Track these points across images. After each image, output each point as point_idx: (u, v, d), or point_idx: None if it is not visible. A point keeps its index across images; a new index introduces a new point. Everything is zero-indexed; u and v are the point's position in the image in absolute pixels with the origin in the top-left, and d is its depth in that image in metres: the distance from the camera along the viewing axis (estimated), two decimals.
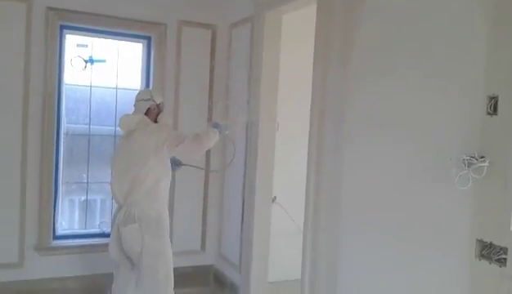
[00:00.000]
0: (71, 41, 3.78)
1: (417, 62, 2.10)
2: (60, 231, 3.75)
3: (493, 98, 1.71)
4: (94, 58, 3.83)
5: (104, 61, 3.88)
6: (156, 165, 2.88)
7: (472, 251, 1.76)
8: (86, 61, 3.80)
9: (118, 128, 3.15)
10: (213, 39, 4.07)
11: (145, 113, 2.98)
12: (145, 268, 2.83)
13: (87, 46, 3.86)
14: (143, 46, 3.99)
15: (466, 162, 1.74)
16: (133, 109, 3.05)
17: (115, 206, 3.05)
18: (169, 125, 3.11)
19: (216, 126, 3.09)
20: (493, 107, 1.71)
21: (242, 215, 3.68)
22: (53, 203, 3.65)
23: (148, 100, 2.99)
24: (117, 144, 3.08)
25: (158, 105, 3.02)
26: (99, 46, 3.91)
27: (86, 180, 3.92)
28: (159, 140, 2.83)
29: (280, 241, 3.92)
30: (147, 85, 3.94)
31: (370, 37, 2.41)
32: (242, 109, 3.51)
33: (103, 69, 3.91)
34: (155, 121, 3.02)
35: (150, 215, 2.87)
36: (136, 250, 2.84)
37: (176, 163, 3.17)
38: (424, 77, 2.06)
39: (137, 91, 3.25)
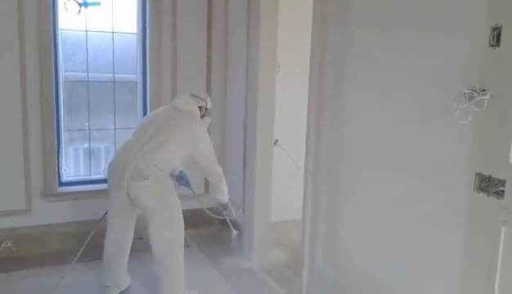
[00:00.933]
0: None
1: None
2: (65, 178, 3.80)
3: (496, 29, 1.66)
4: (88, 1, 3.72)
5: (98, 4, 3.77)
6: (182, 155, 2.98)
7: (471, 185, 1.78)
8: (80, 5, 3.69)
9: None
10: None
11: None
12: (160, 220, 2.85)
13: None
14: None
15: (467, 95, 1.72)
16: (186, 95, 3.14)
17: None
18: (207, 129, 3.22)
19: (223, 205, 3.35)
20: (496, 38, 1.66)
21: (244, 158, 3.70)
22: (56, 151, 3.67)
23: (203, 100, 3.16)
24: (157, 111, 3.17)
25: (206, 109, 3.18)
26: None
27: (88, 128, 3.93)
28: (200, 150, 3.00)
29: (283, 182, 3.98)
30: (143, 28, 3.86)
31: None
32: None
33: (98, 13, 3.80)
34: None
35: (160, 173, 2.84)
36: (148, 204, 2.83)
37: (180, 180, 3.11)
38: (424, 11, 2.00)
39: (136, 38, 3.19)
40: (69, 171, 3.87)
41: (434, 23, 1.96)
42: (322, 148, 2.79)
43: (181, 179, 3.03)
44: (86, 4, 3.70)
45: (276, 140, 3.96)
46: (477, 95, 1.70)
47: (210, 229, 4.13)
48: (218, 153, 4.10)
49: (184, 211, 3.15)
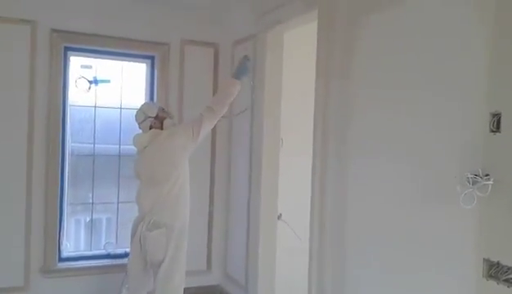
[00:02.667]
0: (75, 62, 3.81)
1: (419, 78, 2.09)
2: (65, 253, 3.74)
3: (496, 115, 1.69)
4: (98, 78, 3.85)
5: (108, 82, 3.90)
6: (182, 169, 2.97)
7: (479, 271, 1.73)
8: (90, 82, 3.82)
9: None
10: (216, 57, 4.10)
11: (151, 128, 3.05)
12: (163, 273, 2.89)
13: (91, 67, 3.88)
14: (147, 66, 4.01)
15: (471, 180, 1.72)
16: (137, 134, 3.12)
17: (134, 217, 3.08)
18: (176, 124, 3.18)
19: (238, 72, 3.11)
20: (496, 124, 1.69)
21: (247, 233, 3.65)
22: (58, 225, 3.64)
23: (144, 120, 3.05)
24: (136, 158, 3.15)
25: (156, 117, 3.06)
26: (103, 66, 3.93)
27: (91, 201, 3.92)
28: (183, 135, 2.94)
29: (287, 259, 3.88)
30: None
31: (371, 52, 2.40)
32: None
33: (107, 90, 3.93)
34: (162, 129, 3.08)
35: (175, 224, 2.92)
36: (159, 257, 2.88)
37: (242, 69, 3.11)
38: (426, 94, 2.04)
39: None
40: (69, 246, 3.81)
41: (437, 107, 1.99)
42: (327, 224, 2.75)
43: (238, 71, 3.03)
44: (96, 82, 3.84)
45: (280, 215, 3.91)
46: (480, 179, 1.70)
47: None
48: (222, 228, 4.07)
49: (186, 289, 3.07)
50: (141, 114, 3.08)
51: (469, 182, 1.72)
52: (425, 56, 2.04)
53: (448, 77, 1.93)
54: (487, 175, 1.69)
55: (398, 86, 2.21)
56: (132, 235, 3.02)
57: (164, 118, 3.08)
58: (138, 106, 3.92)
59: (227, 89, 3.09)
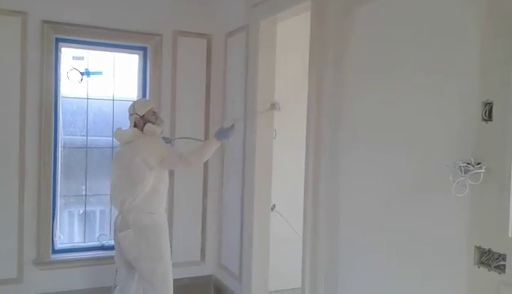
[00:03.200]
0: (67, 53, 3.78)
1: (411, 67, 2.10)
2: (59, 245, 3.73)
3: (488, 104, 1.70)
4: (90, 70, 3.83)
5: (100, 73, 3.88)
6: (151, 175, 2.94)
7: (471, 259, 1.75)
8: (82, 74, 3.79)
9: (115, 140, 3.23)
10: (209, 48, 4.08)
11: (135, 126, 3.05)
12: (143, 271, 2.94)
13: (83, 58, 3.85)
14: (139, 57, 3.99)
15: (462, 168, 1.73)
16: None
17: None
18: (156, 133, 3.08)
19: (221, 133, 3.10)
20: (488, 113, 1.70)
21: (241, 224, 3.66)
22: (52, 217, 3.63)
23: (132, 114, 3.07)
24: (115, 153, 3.18)
25: (142, 117, 3.04)
26: (95, 58, 3.91)
27: (84, 193, 3.91)
28: (150, 160, 2.91)
29: (280, 249, 3.90)
30: (144, 95, 3.94)
31: (365, 42, 2.41)
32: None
33: (99, 81, 3.90)
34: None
35: (146, 222, 2.93)
36: (132, 255, 2.92)
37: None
38: (418, 83, 2.06)
39: None
40: (62, 238, 3.80)
41: (429, 96, 2.00)
42: (320, 214, 2.76)
43: (222, 133, 3.06)
44: (88, 73, 3.81)
45: (274, 205, 3.93)
46: (472, 168, 1.71)
47: None
48: (216, 219, 4.08)
49: (180, 280, 3.09)
50: (131, 108, 3.10)
51: (460, 171, 1.74)
52: (417, 46, 2.06)
53: (440, 66, 1.94)
54: (478, 163, 1.71)
55: (390, 77, 2.23)
56: (114, 231, 3.09)
57: (148, 122, 3.04)
58: (131, 98, 3.98)
59: (210, 151, 3.09)
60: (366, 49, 2.41)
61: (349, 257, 2.53)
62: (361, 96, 2.44)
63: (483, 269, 1.71)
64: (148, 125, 3.04)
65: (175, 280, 3.03)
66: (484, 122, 1.71)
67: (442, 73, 1.93)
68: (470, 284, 1.76)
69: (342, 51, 2.56)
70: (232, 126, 3.12)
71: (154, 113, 3.12)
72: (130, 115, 3.09)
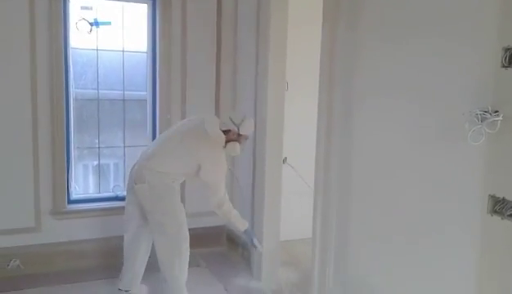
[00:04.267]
0: (75, 3, 3.70)
1: (428, 15, 2.02)
2: (74, 195, 3.80)
3: (508, 50, 1.64)
4: (99, 20, 3.76)
5: (109, 24, 3.81)
6: (183, 171, 3.04)
7: (484, 207, 1.74)
8: (91, 24, 3.73)
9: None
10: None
11: (225, 132, 2.93)
12: (154, 223, 2.99)
13: (91, 8, 3.78)
14: (148, 7, 3.90)
15: (479, 116, 1.70)
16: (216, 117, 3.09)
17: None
18: (228, 157, 3.12)
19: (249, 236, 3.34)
20: (508, 59, 1.64)
21: (253, 176, 3.68)
22: (66, 168, 3.68)
23: (235, 124, 2.91)
24: (179, 124, 3.22)
25: (239, 135, 2.95)
26: (103, 8, 3.83)
27: (97, 145, 3.94)
28: (202, 172, 2.93)
29: (292, 201, 3.95)
30: (153, 47, 3.88)
31: None
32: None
33: (109, 32, 3.84)
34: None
35: (160, 183, 2.96)
36: (146, 207, 2.99)
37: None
38: (435, 31, 1.99)
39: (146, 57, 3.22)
40: (78, 189, 3.87)
41: (446, 43, 1.94)
42: (332, 166, 2.76)
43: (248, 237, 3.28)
44: (97, 24, 3.75)
45: (285, 158, 3.94)
46: (489, 116, 1.68)
47: (219, 248, 4.11)
48: (228, 172, 4.11)
49: (193, 230, 3.14)
50: (238, 118, 2.94)
51: (477, 119, 1.70)
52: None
53: (459, 12, 1.87)
54: (496, 111, 1.67)
55: (407, 24, 2.15)
56: (128, 187, 3.16)
57: (233, 140, 2.95)
58: (141, 50, 3.93)
59: (231, 222, 3.27)
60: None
61: (361, 208, 2.55)
62: (376, 44, 2.38)
63: (496, 218, 1.70)
64: (236, 145, 2.96)
65: (189, 230, 3.08)
66: (504, 69, 1.66)
67: (461, 19, 1.86)
68: (483, 233, 1.76)
69: (356, 8, 2.48)
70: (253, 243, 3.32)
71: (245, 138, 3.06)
72: (230, 122, 2.91)
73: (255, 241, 3.32)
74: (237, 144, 2.97)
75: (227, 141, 2.94)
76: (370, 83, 2.43)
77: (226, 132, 2.93)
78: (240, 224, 3.21)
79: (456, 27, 1.89)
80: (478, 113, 1.70)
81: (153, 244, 3.11)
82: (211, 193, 3.02)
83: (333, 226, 2.77)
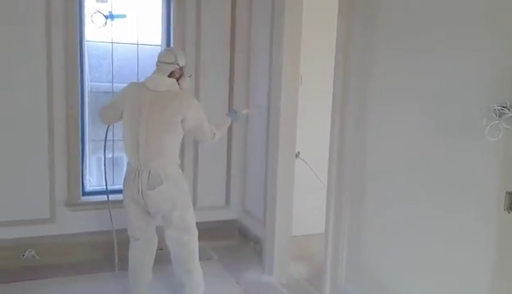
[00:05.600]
0: None
1: (445, 11, 1.99)
2: (88, 187, 3.84)
3: None
4: (114, 13, 3.78)
5: (124, 17, 3.83)
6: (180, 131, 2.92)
7: (501, 204, 1.71)
8: (106, 17, 3.75)
9: (146, 85, 2.94)
10: None
11: (169, 76, 2.95)
12: (177, 222, 2.94)
13: (106, 1, 3.80)
14: (163, 0, 3.91)
15: (497, 112, 1.67)
16: (155, 67, 2.99)
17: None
18: (190, 90, 3.17)
19: (233, 115, 3.55)
20: None
21: (266, 170, 3.68)
22: (81, 160, 3.72)
23: (172, 63, 2.94)
24: (139, 99, 2.87)
25: (181, 68, 3.01)
26: (118, 0, 3.84)
27: (111, 138, 3.96)
28: (189, 122, 2.89)
29: (304, 195, 3.94)
30: (168, 40, 3.89)
31: None
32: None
33: (123, 25, 3.86)
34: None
35: (176, 173, 2.93)
36: (165, 207, 2.90)
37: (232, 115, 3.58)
38: (451, 24, 1.96)
39: (161, 50, 3.21)
40: (92, 181, 3.91)
41: (464, 38, 1.91)
42: (346, 161, 2.75)
43: (233, 115, 3.45)
44: (112, 16, 3.76)
45: (298, 153, 3.92)
46: (507, 111, 1.65)
47: (231, 241, 4.12)
48: (240, 165, 4.12)
49: (205, 223, 3.16)
50: (172, 56, 2.96)
51: (495, 114, 1.67)
52: None
53: (477, 8, 1.83)
54: None
55: (424, 18, 2.12)
56: (128, 197, 2.93)
57: (183, 74, 3.02)
58: (156, 43, 3.94)
59: (225, 128, 3.51)
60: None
61: (374, 203, 2.53)
62: (390, 41, 2.35)
63: None
64: (187, 79, 3.03)
65: (201, 223, 3.10)
66: None
67: (478, 13, 1.82)
68: (500, 230, 1.74)
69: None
70: (246, 114, 3.55)
71: (185, 65, 3.07)
72: (167, 63, 2.93)
73: (238, 112, 3.60)
74: (185, 77, 3.04)
75: (178, 81, 2.98)
76: (385, 78, 2.40)
77: (171, 76, 2.95)
78: (227, 125, 3.48)
79: (474, 21, 1.85)
80: (496, 108, 1.67)
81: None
82: (201, 134, 3.08)
83: (346, 222, 2.76)
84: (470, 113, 1.84)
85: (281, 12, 3.38)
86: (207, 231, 3.20)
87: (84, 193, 3.78)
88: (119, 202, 3.53)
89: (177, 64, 2.97)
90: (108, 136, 3.39)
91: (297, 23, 3.41)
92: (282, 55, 3.40)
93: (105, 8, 3.76)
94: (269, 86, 3.59)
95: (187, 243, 2.99)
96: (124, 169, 3.06)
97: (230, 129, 4.05)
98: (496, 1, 1.77)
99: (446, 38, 2.00)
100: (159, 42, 3.95)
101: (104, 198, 3.53)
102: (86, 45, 3.70)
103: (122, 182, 3.04)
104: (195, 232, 3.03)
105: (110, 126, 3.39)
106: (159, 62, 2.98)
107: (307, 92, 3.90)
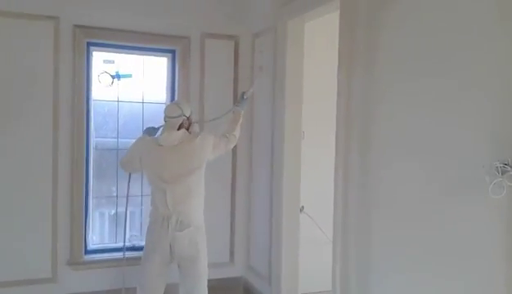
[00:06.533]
0: (98, 57, 3.85)
1: (442, 67, 2.04)
2: (91, 246, 3.81)
3: None
4: (120, 73, 3.89)
5: (130, 76, 3.94)
6: (203, 172, 3.08)
7: (510, 262, 1.68)
8: (113, 77, 3.86)
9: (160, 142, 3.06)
10: (236, 50, 4.08)
11: (178, 129, 3.04)
12: (193, 270, 3.01)
13: (113, 61, 3.92)
14: (168, 60, 4.03)
15: (500, 169, 1.67)
16: (163, 122, 3.09)
17: (155, 219, 3.03)
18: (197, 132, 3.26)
19: (243, 103, 3.41)
20: None
21: (270, 226, 3.65)
22: (84, 218, 3.70)
23: (179, 116, 3.04)
24: (157, 155, 3.03)
25: (188, 118, 3.10)
26: (125, 61, 3.97)
27: (115, 194, 3.97)
28: (207, 154, 3.06)
29: (310, 251, 3.87)
30: (172, 98, 3.97)
31: (395, 43, 2.36)
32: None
33: (129, 84, 3.97)
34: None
35: (200, 222, 3.05)
36: (188, 253, 2.97)
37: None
38: (451, 84, 1.99)
39: (166, 106, 3.29)
40: (94, 239, 3.87)
41: (464, 95, 1.94)
42: (351, 216, 2.72)
43: (243, 102, 3.38)
44: (118, 76, 3.88)
45: (302, 207, 3.90)
46: (510, 168, 1.65)
47: None
48: (244, 221, 4.08)
49: (209, 281, 3.10)
50: (178, 110, 3.06)
51: (497, 171, 1.67)
52: (448, 45, 1.99)
53: (476, 64, 1.88)
54: None
55: (423, 78, 2.16)
56: (154, 241, 2.99)
57: (191, 122, 3.15)
58: (161, 101, 4.02)
59: (239, 120, 3.35)
60: (396, 47, 2.35)
61: (382, 261, 2.48)
62: (391, 99, 2.39)
63: None
64: (194, 125, 3.21)
65: None
66: None
67: (477, 71, 1.87)
68: (508, 288, 1.69)
69: (372, 56, 2.52)
70: (242, 93, 3.43)
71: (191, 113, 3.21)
72: (175, 117, 3.03)
73: (246, 93, 3.43)
74: (195, 124, 3.26)
75: (188, 129, 3.12)
76: (387, 133, 2.42)
77: (180, 128, 3.05)
78: (241, 120, 3.35)
79: (472, 78, 1.89)
80: (499, 165, 1.67)
81: None
82: (219, 150, 3.17)
83: (352, 277, 2.70)
84: (474, 170, 1.83)
85: (282, 68, 3.48)
86: (211, 289, 3.12)
87: (87, 252, 3.74)
88: (126, 260, 3.48)
89: (184, 116, 3.07)
90: (112, 192, 3.40)
91: (298, 77, 3.50)
92: (284, 110, 3.46)
93: (112, 68, 3.87)
94: (272, 143, 3.63)
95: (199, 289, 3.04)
96: (128, 226, 3.08)
97: (233, 185, 4.06)
98: (496, 57, 1.81)
99: (445, 95, 2.03)
100: (164, 100, 4.03)
101: (107, 256, 3.49)
102: (92, 103, 3.78)
103: (127, 238, 3.08)
104: (206, 287, 3.08)
105: (115, 182, 3.40)
106: (167, 117, 3.07)
107: (310, 147, 3.93)
